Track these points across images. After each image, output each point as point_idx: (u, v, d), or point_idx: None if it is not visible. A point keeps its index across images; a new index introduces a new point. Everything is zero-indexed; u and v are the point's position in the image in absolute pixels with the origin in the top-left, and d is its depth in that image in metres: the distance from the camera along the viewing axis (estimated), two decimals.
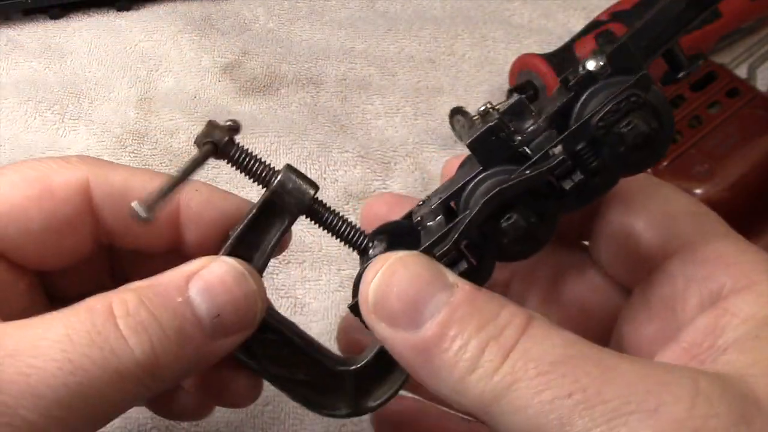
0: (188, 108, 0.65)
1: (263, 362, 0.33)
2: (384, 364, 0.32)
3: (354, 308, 0.29)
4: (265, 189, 0.32)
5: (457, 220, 0.28)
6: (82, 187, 0.32)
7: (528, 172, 0.28)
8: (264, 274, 0.55)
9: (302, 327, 0.53)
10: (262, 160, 0.32)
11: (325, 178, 0.61)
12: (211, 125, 0.31)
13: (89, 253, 0.34)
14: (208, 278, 0.29)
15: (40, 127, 0.63)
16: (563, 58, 0.64)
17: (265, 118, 0.65)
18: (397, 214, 0.34)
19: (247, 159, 0.32)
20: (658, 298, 0.29)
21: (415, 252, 0.27)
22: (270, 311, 0.33)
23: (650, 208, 0.30)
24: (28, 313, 0.28)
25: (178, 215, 0.34)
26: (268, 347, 0.33)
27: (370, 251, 0.32)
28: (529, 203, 0.28)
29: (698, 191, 0.53)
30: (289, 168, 0.32)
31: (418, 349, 0.25)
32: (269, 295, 0.54)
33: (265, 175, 0.32)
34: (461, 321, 0.25)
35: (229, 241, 0.32)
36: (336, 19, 0.75)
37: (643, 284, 0.30)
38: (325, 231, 0.33)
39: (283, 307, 0.54)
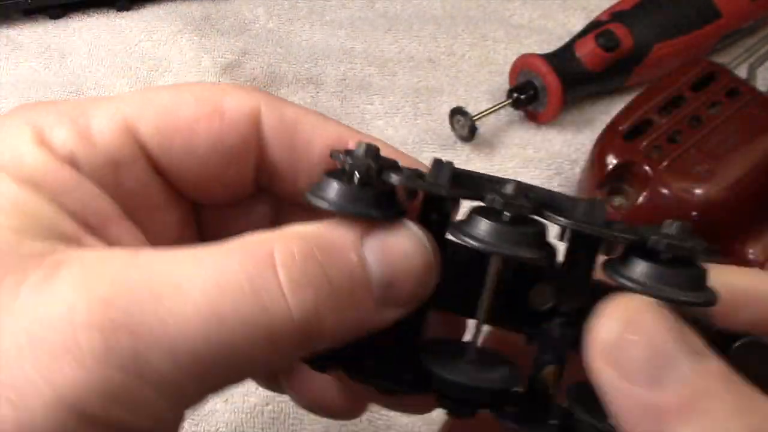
0: None
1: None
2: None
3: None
4: None
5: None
6: (254, 114, 0.29)
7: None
8: None
9: None
10: None
11: None
12: None
13: (249, 193, 0.31)
14: (388, 241, 0.24)
15: None
16: (563, 58, 0.64)
17: None
18: None
19: None
20: None
21: (659, 302, 0.22)
22: None
23: None
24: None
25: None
26: None
27: None
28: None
29: (698, 191, 0.53)
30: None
31: (652, 412, 0.20)
32: None
33: None
34: (715, 395, 0.20)
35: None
36: (336, 19, 0.75)
37: None
38: None
39: None
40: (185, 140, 0.28)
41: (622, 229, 0.23)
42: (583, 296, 0.24)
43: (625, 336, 0.21)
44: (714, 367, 0.21)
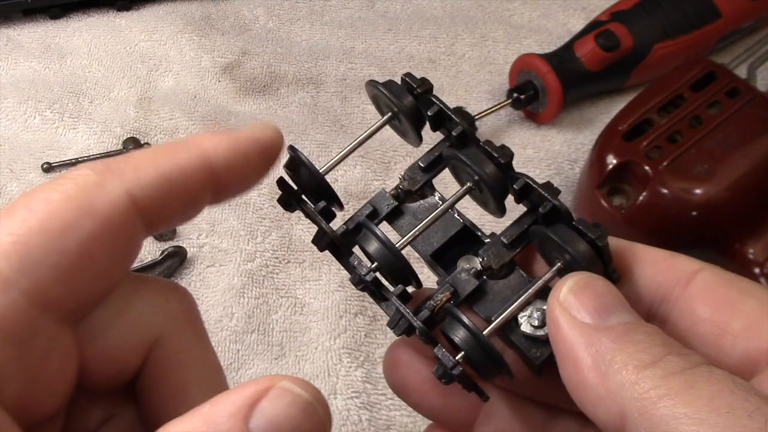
0: (188, 108, 0.65)
1: None
2: None
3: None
4: None
5: None
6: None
7: None
8: (264, 273, 0.55)
9: (302, 327, 0.54)
10: None
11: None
12: None
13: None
14: (272, 413, 0.23)
15: (39, 126, 0.63)
16: (563, 58, 0.64)
17: (265, 118, 0.65)
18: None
19: None
20: None
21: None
22: None
23: None
24: None
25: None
26: None
27: None
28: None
29: (698, 191, 0.53)
30: None
31: (596, 338, 0.25)
32: (269, 295, 0.54)
33: None
34: (647, 332, 0.25)
35: None
36: (336, 19, 0.75)
37: None
38: None
39: (283, 307, 0.54)
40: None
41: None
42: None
43: (580, 287, 0.26)
44: (648, 324, 0.26)
